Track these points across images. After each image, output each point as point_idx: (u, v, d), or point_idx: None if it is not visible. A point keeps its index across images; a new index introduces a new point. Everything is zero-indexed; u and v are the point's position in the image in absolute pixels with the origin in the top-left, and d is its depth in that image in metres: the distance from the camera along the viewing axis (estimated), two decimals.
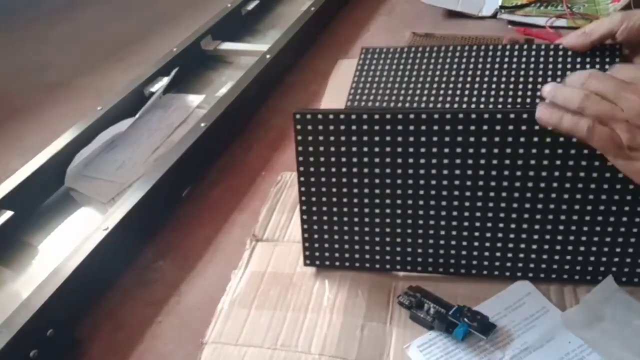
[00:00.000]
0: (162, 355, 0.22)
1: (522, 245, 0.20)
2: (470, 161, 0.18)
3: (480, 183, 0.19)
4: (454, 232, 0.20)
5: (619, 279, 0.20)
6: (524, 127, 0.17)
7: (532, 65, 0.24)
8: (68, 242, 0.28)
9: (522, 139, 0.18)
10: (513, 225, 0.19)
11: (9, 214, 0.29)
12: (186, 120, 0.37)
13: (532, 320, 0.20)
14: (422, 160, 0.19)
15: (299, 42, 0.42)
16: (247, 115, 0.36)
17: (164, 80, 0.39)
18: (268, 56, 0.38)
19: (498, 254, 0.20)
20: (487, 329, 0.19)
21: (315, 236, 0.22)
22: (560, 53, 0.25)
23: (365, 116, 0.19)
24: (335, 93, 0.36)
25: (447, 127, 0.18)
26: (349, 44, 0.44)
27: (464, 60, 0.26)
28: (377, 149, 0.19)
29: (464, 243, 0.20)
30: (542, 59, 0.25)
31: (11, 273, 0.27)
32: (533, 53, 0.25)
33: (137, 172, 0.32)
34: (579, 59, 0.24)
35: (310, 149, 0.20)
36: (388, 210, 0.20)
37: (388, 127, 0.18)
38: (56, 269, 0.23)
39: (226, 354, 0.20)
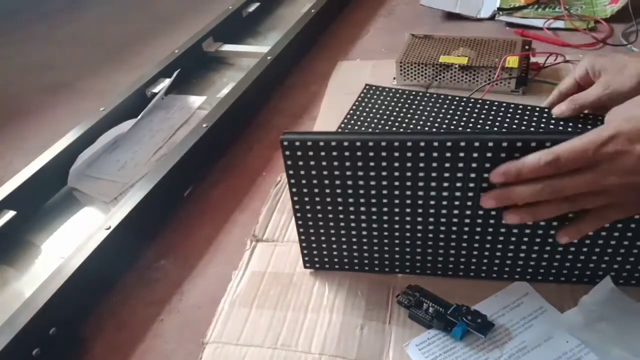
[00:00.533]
0: (164, 354, 0.22)
1: (523, 249, 0.19)
2: (471, 184, 0.18)
3: (480, 202, 0.18)
4: (453, 236, 0.20)
5: (617, 280, 0.19)
6: (534, 145, 0.16)
7: (515, 122, 0.26)
8: (71, 241, 0.28)
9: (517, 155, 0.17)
10: (514, 230, 0.19)
11: (11, 213, 0.29)
12: (188, 121, 0.37)
13: (530, 319, 0.20)
14: (421, 183, 0.18)
15: (299, 43, 0.42)
16: (248, 116, 0.36)
17: (166, 82, 0.39)
18: (269, 57, 0.38)
19: (497, 257, 0.20)
20: (485, 328, 0.19)
21: (313, 245, 0.22)
22: (545, 115, 0.26)
23: (358, 143, 0.18)
24: (335, 94, 0.36)
25: (448, 154, 0.17)
26: (349, 45, 0.44)
27: (459, 110, 0.27)
28: (372, 173, 0.18)
29: (464, 244, 0.20)
30: (526, 118, 0.26)
31: (14, 272, 0.27)
32: (518, 112, 0.26)
33: (139, 172, 0.32)
34: (561, 122, 0.26)
35: (302, 172, 0.19)
36: (385, 220, 0.20)
37: (384, 154, 0.18)
38: (58, 268, 0.23)
39: (227, 353, 0.20)
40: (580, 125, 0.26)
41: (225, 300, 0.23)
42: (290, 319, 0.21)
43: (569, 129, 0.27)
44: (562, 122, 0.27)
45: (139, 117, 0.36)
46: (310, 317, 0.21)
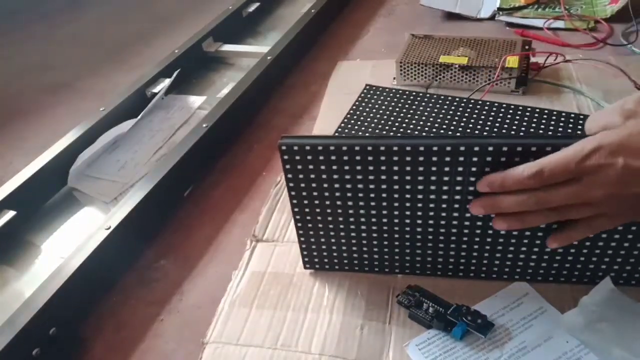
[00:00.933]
0: (164, 354, 0.22)
1: (523, 250, 0.20)
2: (471, 188, 0.18)
3: (469, 209, 0.18)
4: (453, 238, 0.20)
5: (617, 281, 0.20)
6: (534, 150, 0.16)
7: (515, 123, 0.26)
8: (71, 241, 0.28)
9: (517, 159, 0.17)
10: (514, 231, 0.19)
11: (11, 213, 0.29)
12: (188, 121, 0.37)
13: (530, 319, 0.20)
14: (420, 187, 0.18)
15: (299, 43, 0.42)
16: (248, 116, 0.36)
17: (166, 82, 0.39)
18: (269, 57, 0.38)
19: (497, 258, 0.20)
20: (485, 328, 0.19)
21: (313, 247, 0.22)
22: (545, 115, 0.26)
23: (357, 148, 0.17)
24: (335, 94, 0.36)
25: (447, 159, 0.17)
26: (349, 45, 0.44)
27: (459, 111, 0.27)
28: (371, 177, 0.18)
29: (464, 245, 0.20)
30: (525, 119, 0.26)
31: (14, 272, 0.27)
32: (518, 113, 0.26)
33: (139, 172, 0.32)
34: (561, 124, 0.26)
35: (300, 176, 0.19)
36: (385, 222, 0.20)
37: (382, 158, 0.18)
38: (58, 268, 0.23)
39: (227, 353, 0.20)
40: (580, 127, 0.27)
41: (225, 300, 0.23)
42: (290, 319, 0.21)
43: (569, 131, 0.27)
44: (561, 123, 0.27)
45: (139, 117, 0.36)
46: (310, 318, 0.21)
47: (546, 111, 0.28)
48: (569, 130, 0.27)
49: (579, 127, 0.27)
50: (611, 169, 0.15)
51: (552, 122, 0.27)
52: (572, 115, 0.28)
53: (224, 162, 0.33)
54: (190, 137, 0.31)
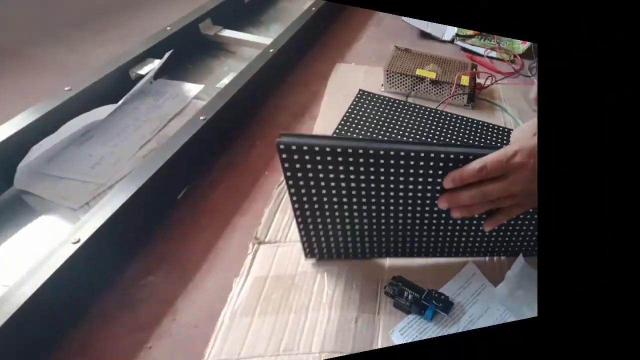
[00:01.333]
0: None
1: (472, 233, 0.25)
2: (438, 187, 0.21)
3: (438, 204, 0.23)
4: (425, 226, 0.24)
5: (528, 254, 0.25)
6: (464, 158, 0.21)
7: (466, 132, 0.33)
8: (19, 263, 0.21)
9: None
10: (466, 221, 0.24)
11: None
12: (182, 111, 0.31)
13: (476, 295, 0.24)
14: (401, 186, 0.21)
15: (301, 39, 0.39)
16: (250, 111, 0.32)
17: (156, 63, 0.32)
18: (271, 50, 0.35)
19: (455, 240, 0.25)
20: (447, 307, 0.23)
21: (313, 239, 0.23)
22: (491, 129, 0.34)
23: (350, 150, 0.20)
24: (334, 94, 0.36)
25: (431, 163, 0.20)
26: (346, 47, 0.44)
27: (429, 119, 0.33)
28: (362, 177, 0.21)
29: (432, 233, 0.24)
30: (473, 130, 0.33)
31: None
32: (469, 124, 0.33)
33: (121, 170, 0.26)
34: (494, 134, 0.34)
35: (299, 174, 0.20)
36: (374, 215, 0.22)
37: (371, 160, 0.20)
38: (3, 297, 0.17)
39: None
40: (506, 138, 0.34)
41: (225, 313, 0.21)
42: (292, 322, 0.21)
43: (500, 141, 0.34)
44: (495, 134, 0.34)
45: (119, 102, 0.29)
46: (311, 317, 0.21)
47: (485, 124, 0.36)
48: (499, 140, 0.35)
49: (506, 138, 0.35)
50: (527, 167, 0.21)
51: (489, 133, 0.35)
52: (501, 128, 0.36)
53: (224, 160, 0.29)
54: (185, 130, 0.26)
